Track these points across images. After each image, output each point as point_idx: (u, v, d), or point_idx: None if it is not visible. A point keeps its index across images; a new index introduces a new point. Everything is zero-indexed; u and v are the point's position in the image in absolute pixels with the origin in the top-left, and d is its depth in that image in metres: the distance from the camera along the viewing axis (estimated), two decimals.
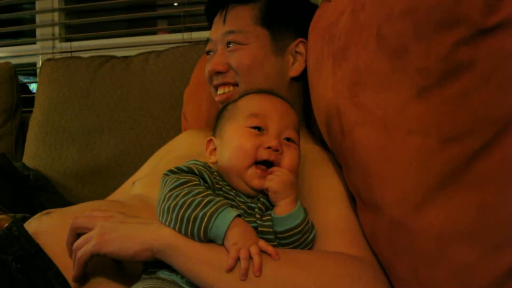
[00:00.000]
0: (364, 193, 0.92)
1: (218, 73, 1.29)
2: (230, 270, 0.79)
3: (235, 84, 1.29)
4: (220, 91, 1.31)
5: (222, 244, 0.81)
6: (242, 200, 0.92)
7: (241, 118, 0.96)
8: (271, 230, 0.88)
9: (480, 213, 0.71)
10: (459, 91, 0.74)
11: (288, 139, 0.96)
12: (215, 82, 1.32)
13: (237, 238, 0.80)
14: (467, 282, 0.72)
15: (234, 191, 0.93)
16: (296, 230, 0.88)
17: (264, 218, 0.89)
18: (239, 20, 1.30)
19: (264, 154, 0.92)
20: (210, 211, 0.81)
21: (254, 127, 0.94)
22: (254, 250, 0.80)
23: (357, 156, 0.92)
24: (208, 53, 1.38)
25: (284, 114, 0.98)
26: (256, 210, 0.89)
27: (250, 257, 0.80)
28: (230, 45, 1.29)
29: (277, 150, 0.92)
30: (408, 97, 0.80)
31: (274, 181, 0.89)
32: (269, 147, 0.92)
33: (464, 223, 0.73)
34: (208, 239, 0.82)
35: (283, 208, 0.89)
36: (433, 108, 0.77)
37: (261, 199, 0.92)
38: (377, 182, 0.87)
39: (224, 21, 1.30)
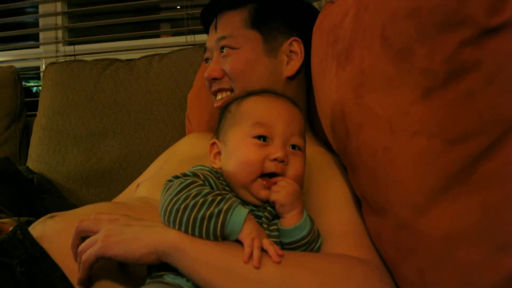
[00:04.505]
0: (369, 195, 0.91)
1: (214, 79, 1.32)
2: (249, 258, 0.79)
3: (231, 90, 1.31)
4: (218, 97, 1.33)
5: (236, 240, 0.82)
6: (249, 207, 0.90)
7: (245, 126, 0.93)
8: (278, 240, 0.88)
9: (485, 214, 0.71)
10: (464, 92, 0.73)
11: (294, 147, 0.93)
12: (212, 88, 1.34)
13: (251, 229, 0.81)
14: (474, 283, 0.72)
15: (239, 199, 0.91)
16: (303, 242, 0.88)
17: (271, 228, 0.88)
18: (229, 25, 1.32)
19: (270, 167, 0.89)
20: (225, 207, 0.81)
21: (259, 137, 0.91)
22: (267, 242, 0.81)
23: (362, 158, 0.92)
24: (206, 60, 1.40)
25: (290, 120, 0.94)
26: (263, 219, 0.89)
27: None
28: (223, 50, 1.31)
29: (283, 161, 0.90)
30: (413, 99, 0.80)
31: (281, 194, 0.88)
32: (275, 159, 0.89)
33: (469, 225, 0.72)
34: (222, 236, 0.82)
35: (290, 220, 0.88)
36: (437, 109, 0.77)
37: (268, 207, 0.90)
38: (382, 184, 0.86)
39: (216, 28, 1.33)
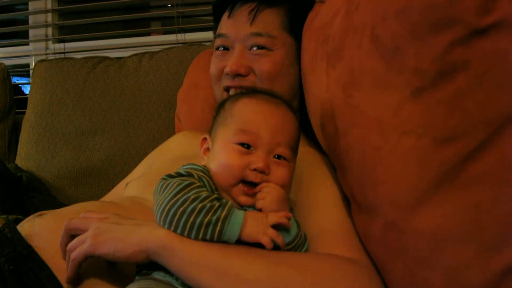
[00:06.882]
0: (358, 195, 0.92)
1: (238, 75, 1.24)
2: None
3: None
4: (232, 92, 1.25)
5: (235, 243, 0.82)
6: (238, 208, 0.88)
7: (231, 130, 0.92)
8: None
9: (475, 214, 0.71)
10: (454, 91, 0.74)
11: (279, 157, 0.92)
12: (228, 83, 1.26)
13: (256, 229, 0.82)
14: (463, 283, 0.72)
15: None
16: (289, 247, 0.87)
17: None
18: (269, 24, 1.25)
19: (250, 176, 0.89)
20: (223, 215, 0.81)
21: (242, 144, 0.90)
22: (273, 232, 0.82)
23: (352, 158, 0.92)
24: (218, 48, 1.32)
25: (279, 129, 0.92)
26: None
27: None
28: (255, 48, 1.24)
29: (263, 172, 0.89)
30: (403, 98, 0.80)
31: (266, 200, 0.87)
32: (255, 169, 0.88)
33: (458, 224, 0.73)
34: (220, 242, 0.82)
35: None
36: (427, 109, 0.77)
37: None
38: (371, 183, 0.87)
39: (252, 22, 1.25)
